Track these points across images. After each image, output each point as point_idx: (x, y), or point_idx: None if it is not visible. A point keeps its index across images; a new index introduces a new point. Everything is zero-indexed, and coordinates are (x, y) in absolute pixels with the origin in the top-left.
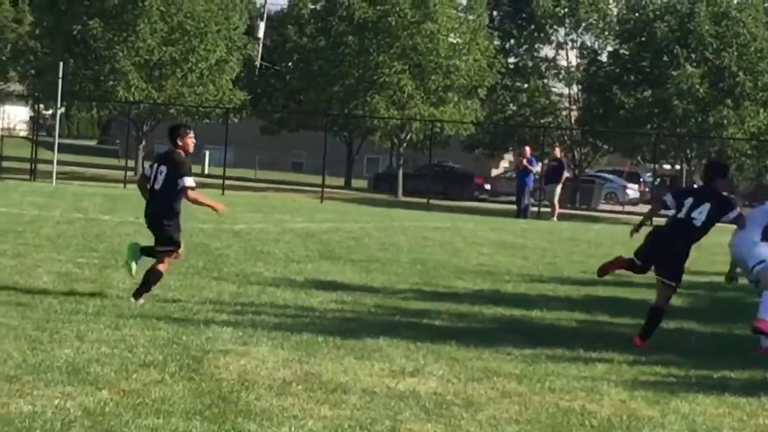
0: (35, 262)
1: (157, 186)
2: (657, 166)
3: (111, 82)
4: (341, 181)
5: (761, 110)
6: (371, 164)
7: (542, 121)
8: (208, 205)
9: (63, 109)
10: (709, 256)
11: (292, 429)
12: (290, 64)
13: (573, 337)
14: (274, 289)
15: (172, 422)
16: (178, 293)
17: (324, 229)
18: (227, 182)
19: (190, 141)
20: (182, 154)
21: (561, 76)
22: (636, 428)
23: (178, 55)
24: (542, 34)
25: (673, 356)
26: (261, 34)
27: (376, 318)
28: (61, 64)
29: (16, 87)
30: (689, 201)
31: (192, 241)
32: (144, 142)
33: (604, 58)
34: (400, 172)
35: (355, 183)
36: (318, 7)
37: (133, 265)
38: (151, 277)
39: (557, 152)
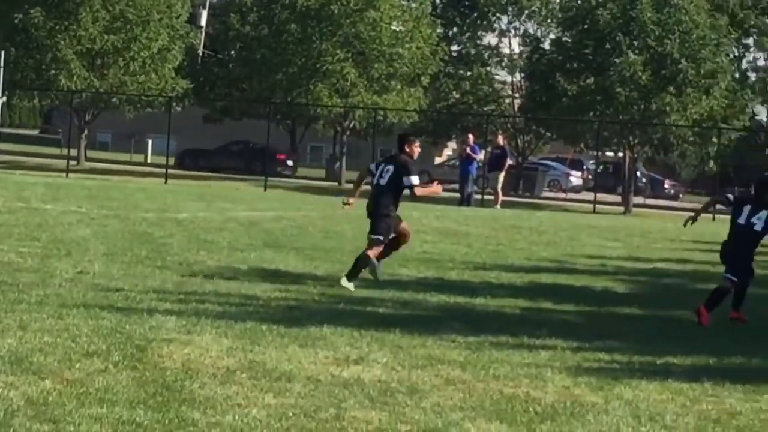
0: None
1: (383, 182)
2: (600, 153)
3: (53, 71)
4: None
5: (703, 97)
6: (315, 152)
7: (485, 108)
8: (431, 193)
9: (4, 99)
10: (651, 243)
11: (236, 417)
12: (233, 52)
13: (517, 324)
14: (217, 277)
15: (115, 411)
16: (121, 282)
17: (268, 218)
18: (170, 171)
19: (417, 149)
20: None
21: (504, 64)
22: (579, 414)
23: (120, 44)
24: (485, 22)
25: (617, 342)
26: (203, 22)
27: (320, 306)
28: (2, 52)
29: None
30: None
31: (135, 230)
32: (86, 131)
33: (546, 45)
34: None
35: (300, 171)
36: None
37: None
38: (361, 263)
39: (500, 140)
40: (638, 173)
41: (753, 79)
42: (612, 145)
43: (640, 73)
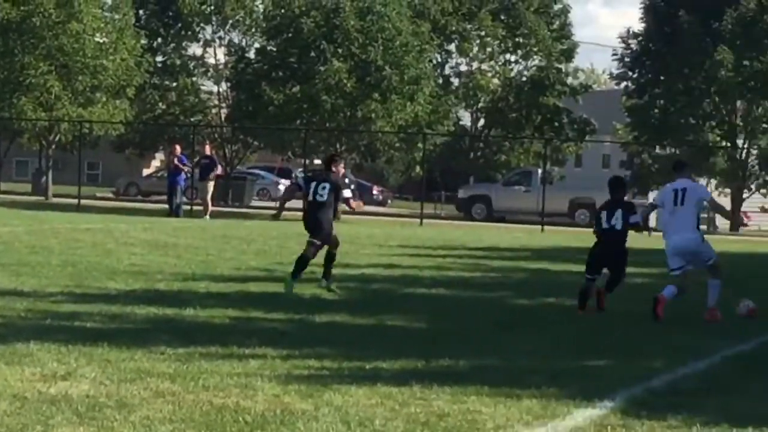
0: None
1: (321, 198)
2: (307, 161)
3: None
4: None
5: (408, 103)
6: (21, 167)
7: (192, 119)
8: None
9: None
10: (360, 249)
11: None
12: None
13: (227, 334)
14: None
15: None
16: None
17: None
18: None
19: (342, 168)
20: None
21: (210, 74)
22: (290, 422)
23: None
24: (189, 32)
25: (326, 349)
26: None
27: (27, 322)
28: None
29: None
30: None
31: None
32: None
33: (252, 54)
34: None
35: (6, 186)
36: None
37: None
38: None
39: (208, 150)
40: (346, 180)
41: (456, 84)
42: (320, 153)
43: (345, 81)
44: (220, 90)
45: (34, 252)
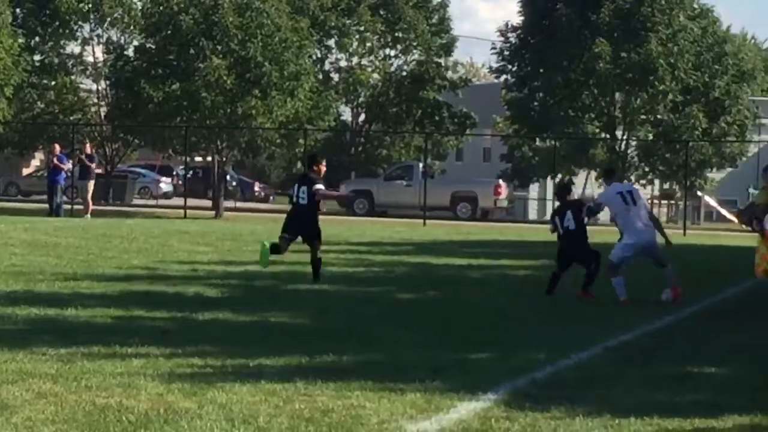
0: None
1: (303, 201)
2: (189, 158)
3: None
4: None
5: (288, 99)
6: None
7: (71, 118)
8: (339, 197)
9: None
10: (243, 246)
11: None
12: None
13: (109, 333)
14: None
15: None
16: None
17: None
18: None
19: (323, 167)
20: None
21: (88, 72)
22: (173, 421)
23: None
24: (67, 31)
25: (210, 347)
26: None
27: None
28: None
29: None
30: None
31: None
32: None
33: (130, 52)
34: None
35: None
36: None
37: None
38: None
39: (88, 148)
40: (228, 177)
41: (336, 79)
42: (200, 150)
43: (224, 78)
44: (99, 88)
45: None
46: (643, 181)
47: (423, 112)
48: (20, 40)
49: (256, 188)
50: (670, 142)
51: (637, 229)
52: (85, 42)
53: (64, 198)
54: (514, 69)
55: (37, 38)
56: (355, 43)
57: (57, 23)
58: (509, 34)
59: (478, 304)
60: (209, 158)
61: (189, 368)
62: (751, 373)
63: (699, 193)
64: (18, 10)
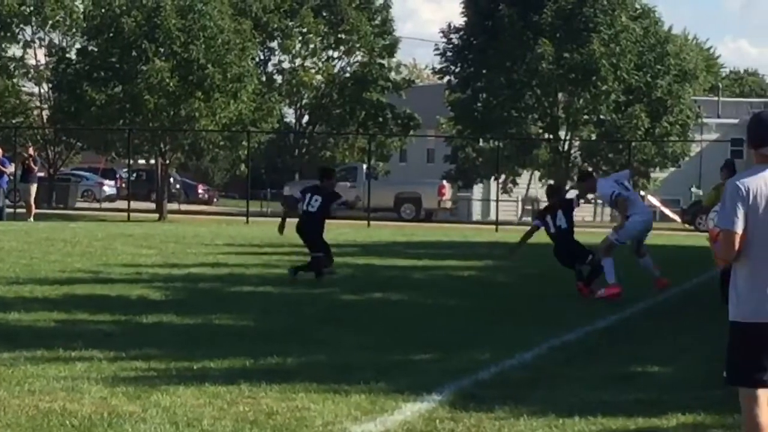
0: None
1: (313, 209)
2: (132, 161)
3: None
4: None
5: (231, 101)
6: None
7: (14, 121)
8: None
9: None
10: (186, 248)
11: None
12: None
13: (52, 337)
14: None
15: None
16: None
17: None
18: None
19: (335, 181)
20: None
21: (30, 75)
22: (117, 425)
23: None
24: (9, 34)
25: (154, 350)
26: None
27: None
28: None
29: None
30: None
31: None
32: None
33: (73, 55)
34: None
35: None
36: None
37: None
38: (319, 274)
39: (30, 151)
40: (172, 179)
41: (279, 81)
42: (144, 153)
43: (167, 80)
44: (42, 91)
45: None
46: None
47: (366, 113)
48: None
49: (200, 190)
50: (613, 142)
51: (644, 208)
52: (26, 45)
53: (7, 201)
54: (457, 70)
55: None
56: (298, 45)
57: None
58: (452, 35)
59: (423, 305)
60: (152, 161)
61: (133, 371)
62: (695, 371)
63: (642, 193)
64: None
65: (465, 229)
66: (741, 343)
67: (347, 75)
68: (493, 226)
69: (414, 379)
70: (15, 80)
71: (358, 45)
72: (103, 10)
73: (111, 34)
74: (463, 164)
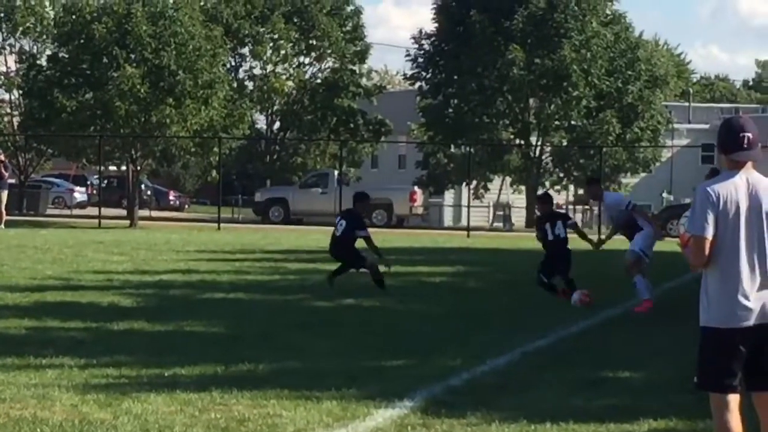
0: None
1: (338, 233)
2: (103, 167)
3: None
4: None
5: (203, 108)
6: None
7: None
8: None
9: None
10: (157, 255)
11: None
12: None
13: (23, 344)
14: None
15: None
16: None
17: None
18: None
19: (367, 207)
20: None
21: (1, 82)
22: None
23: None
24: None
25: (125, 357)
26: None
27: None
28: None
29: None
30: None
31: None
32: None
33: (43, 61)
34: None
35: None
36: None
37: None
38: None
39: (2, 157)
40: (143, 186)
41: (251, 87)
42: (115, 159)
43: (138, 86)
44: (12, 98)
45: None
46: (557, 187)
47: (338, 119)
48: None
49: (171, 197)
50: (584, 148)
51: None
52: None
53: None
54: (429, 76)
55: None
56: (269, 51)
57: None
58: (423, 41)
59: (394, 311)
60: (123, 167)
61: (104, 379)
62: (667, 376)
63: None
64: None
65: (436, 234)
66: (712, 349)
67: (318, 81)
68: (465, 232)
69: (386, 386)
70: None
71: (329, 51)
72: (73, 17)
73: (82, 41)
74: (435, 170)
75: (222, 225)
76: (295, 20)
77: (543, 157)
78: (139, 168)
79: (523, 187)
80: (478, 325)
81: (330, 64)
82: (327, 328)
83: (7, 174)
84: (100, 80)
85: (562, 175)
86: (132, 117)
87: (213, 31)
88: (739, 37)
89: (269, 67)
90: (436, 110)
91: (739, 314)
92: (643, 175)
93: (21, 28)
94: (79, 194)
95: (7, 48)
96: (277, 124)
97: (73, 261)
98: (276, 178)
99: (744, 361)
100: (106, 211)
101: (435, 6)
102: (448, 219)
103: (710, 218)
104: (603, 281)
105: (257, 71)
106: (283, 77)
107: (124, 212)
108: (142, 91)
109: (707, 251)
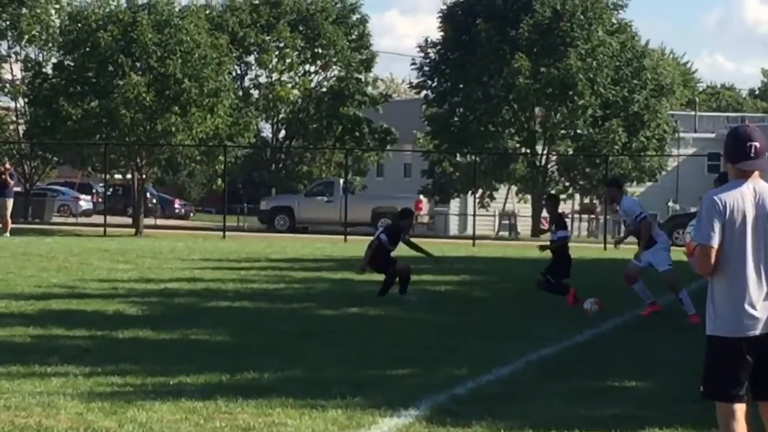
0: None
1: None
2: (108, 175)
3: None
4: None
5: (208, 116)
6: None
7: None
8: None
9: None
10: (163, 263)
11: None
12: None
13: (28, 352)
14: None
15: None
16: None
17: None
18: None
19: (411, 223)
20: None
21: (6, 90)
22: None
23: None
24: None
25: (130, 365)
26: None
27: None
28: None
29: None
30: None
31: None
32: None
33: (49, 69)
34: None
35: None
36: None
37: None
38: (405, 282)
39: (7, 166)
40: (148, 194)
41: (256, 96)
42: (120, 167)
43: (144, 94)
44: (18, 106)
45: None
46: (563, 196)
47: (343, 128)
48: None
49: (176, 205)
50: (589, 157)
51: (662, 232)
52: (2, 59)
53: None
54: (434, 84)
55: None
56: (275, 60)
57: None
58: (429, 50)
59: (399, 320)
60: (129, 175)
61: (109, 387)
62: (672, 385)
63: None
64: None
65: (442, 243)
66: (718, 358)
67: (324, 89)
68: (470, 241)
69: (391, 394)
70: None
71: (334, 59)
72: (79, 25)
73: (87, 49)
74: (440, 179)
75: (227, 233)
76: (301, 28)
77: (549, 165)
78: (144, 176)
79: (528, 196)
80: (483, 334)
81: (336, 72)
82: (332, 336)
83: (12, 182)
84: (106, 88)
85: (567, 183)
86: (137, 125)
87: (219, 39)
88: (744, 46)
89: (275, 76)
90: (441, 119)
91: (745, 323)
92: (649, 184)
93: (27, 36)
94: (85, 202)
95: (13, 56)
96: (282, 133)
97: (79, 269)
98: (281, 187)
99: (750, 371)
100: (112, 219)
101: (441, 15)
102: (453, 228)
103: (716, 227)
104: (608, 291)
105: (263, 79)
106: (289, 85)
107: (129, 220)
108: (148, 99)
109: (713, 260)
